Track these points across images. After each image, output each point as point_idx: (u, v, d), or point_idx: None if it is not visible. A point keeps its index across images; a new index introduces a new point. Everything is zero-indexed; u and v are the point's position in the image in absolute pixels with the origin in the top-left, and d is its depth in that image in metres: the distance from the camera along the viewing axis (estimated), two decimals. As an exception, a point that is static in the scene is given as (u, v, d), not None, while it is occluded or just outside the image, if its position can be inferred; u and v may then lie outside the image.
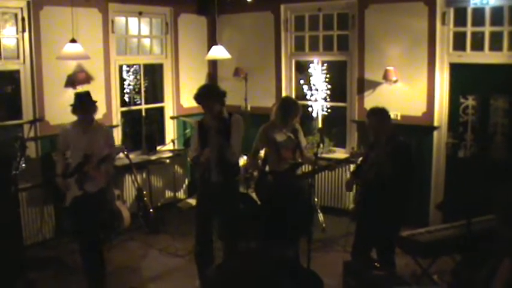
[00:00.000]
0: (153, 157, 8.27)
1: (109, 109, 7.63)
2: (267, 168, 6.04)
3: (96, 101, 5.61)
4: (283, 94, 8.36)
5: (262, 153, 6.32)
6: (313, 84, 8.17)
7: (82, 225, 5.60)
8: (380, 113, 5.27)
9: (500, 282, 3.25)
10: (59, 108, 6.91)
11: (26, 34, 6.75)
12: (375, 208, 5.13)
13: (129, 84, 8.99)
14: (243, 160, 7.29)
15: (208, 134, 5.43)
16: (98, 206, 5.63)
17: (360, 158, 5.59)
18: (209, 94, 5.44)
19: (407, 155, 5.17)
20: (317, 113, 8.19)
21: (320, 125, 8.10)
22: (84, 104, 5.48)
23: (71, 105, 5.52)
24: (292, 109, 5.84)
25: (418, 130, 7.16)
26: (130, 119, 8.58)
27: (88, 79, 7.24)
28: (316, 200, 7.64)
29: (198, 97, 5.46)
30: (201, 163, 5.43)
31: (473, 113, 7.01)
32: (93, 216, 5.57)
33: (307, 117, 8.13)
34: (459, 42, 7.00)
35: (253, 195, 6.55)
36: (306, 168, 6.45)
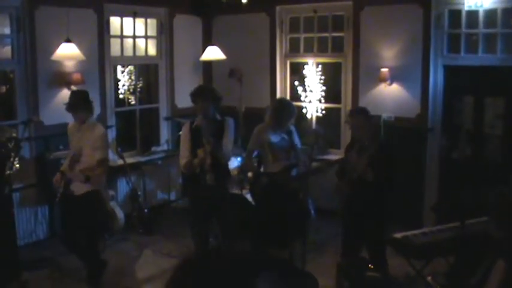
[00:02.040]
0: (147, 158, 8.26)
1: (103, 109, 7.61)
2: (262, 169, 6.05)
3: (88, 101, 5.53)
4: (278, 95, 8.37)
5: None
6: (308, 86, 8.19)
7: (61, 225, 5.64)
8: (363, 112, 5.32)
9: (493, 284, 3.27)
10: (54, 109, 6.90)
11: (21, 34, 6.72)
12: (361, 207, 5.18)
13: (123, 85, 8.97)
14: (236, 162, 7.27)
15: (202, 136, 5.38)
16: (82, 210, 5.46)
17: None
18: (206, 95, 5.44)
19: (389, 156, 5.22)
20: (311, 114, 8.20)
21: (314, 126, 8.11)
22: (69, 102, 5.49)
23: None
24: (287, 111, 5.84)
25: (412, 131, 7.18)
26: (124, 119, 8.55)
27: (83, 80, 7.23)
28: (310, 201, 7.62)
29: (195, 96, 5.45)
30: (195, 165, 5.41)
31: (467, 115, 7.03)
32: (74, 219, 5.53)
33: (301, 118, 8.15)
34: (453, 45, 7.03)
35: (248, 196, 6.54)
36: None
